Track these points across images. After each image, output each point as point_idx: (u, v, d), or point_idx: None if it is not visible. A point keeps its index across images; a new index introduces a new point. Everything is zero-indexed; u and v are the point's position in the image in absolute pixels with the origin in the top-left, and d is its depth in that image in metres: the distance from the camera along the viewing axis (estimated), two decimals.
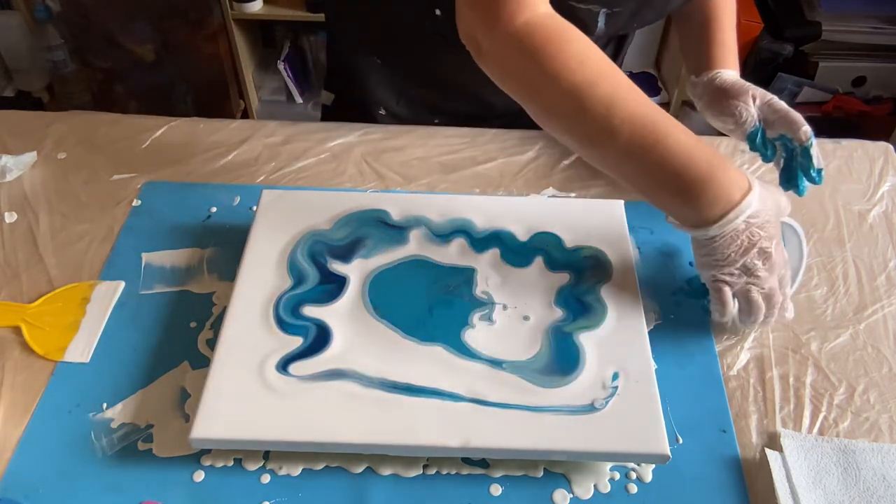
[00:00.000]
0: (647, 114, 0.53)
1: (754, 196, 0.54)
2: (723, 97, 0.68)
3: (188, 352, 0.60)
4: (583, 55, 0.54)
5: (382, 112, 0.84)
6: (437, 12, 0.70)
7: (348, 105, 0.87)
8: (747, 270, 0.56)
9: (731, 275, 0.57)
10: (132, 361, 0.59)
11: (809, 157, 0.63)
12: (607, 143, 0.53)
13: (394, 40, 0.78)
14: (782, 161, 0.67)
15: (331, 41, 0.89)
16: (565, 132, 0.56)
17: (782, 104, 0.66)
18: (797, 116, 0.64)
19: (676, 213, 0.57)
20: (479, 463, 0.53)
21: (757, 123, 0.66)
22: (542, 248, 0.63)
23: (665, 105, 1.80)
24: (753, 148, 0.67)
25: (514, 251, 0.63)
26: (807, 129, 0.63)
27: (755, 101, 0.67)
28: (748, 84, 0.68)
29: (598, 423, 0.51)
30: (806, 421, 0.57)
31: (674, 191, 0.54)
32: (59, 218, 0.71)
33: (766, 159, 0.67)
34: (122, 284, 0.65)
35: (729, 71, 0.71)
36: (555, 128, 0.57)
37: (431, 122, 0.83)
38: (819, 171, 0.64)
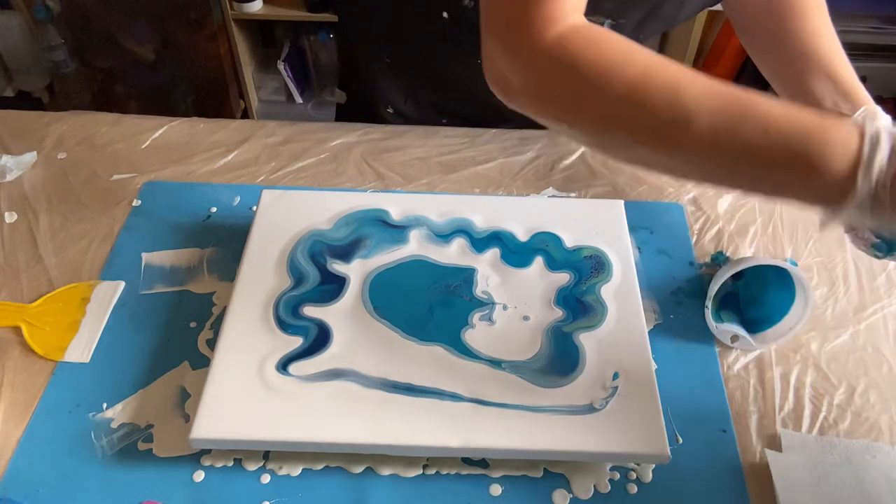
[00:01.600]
0: (720, 87, 0.43)
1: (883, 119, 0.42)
2: None
3: (188, 352, 0.60)
4: (626, 51, 0.45)
5: (390, 110, 0.84)
6: (445, 15, 0.69)
7: (359, 103, 0.87)
8: None
9: None
10: (132, 361, 0.59)
11: None
12: (685, 131, 0.43)
13: (402, 41, 0.78)
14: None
15: (341, 40, 0.89)
16: (630, 139, 0.46)
17: None
18: None
19: (804, 188, 0.42)
20: (479, 463, 0.53)
21: None
22: (542, 248, 0.63)
23: None
24: None
25: (515, 251, 0.63)
26: None
27: None
28: None
29: (598, 424, 0.51)
30: (806, 421, 0.57)
31: (790, 157, 0.41)
32: (59, 218, 0.71)
33: None
34: (122, 284, 0.65)
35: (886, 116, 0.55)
36: (615, 140, 0.47)
37: (439, 122, 0.84)
38: None
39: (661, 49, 1.81)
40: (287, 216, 0.65)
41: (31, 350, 0.60)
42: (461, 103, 0.83)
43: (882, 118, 0.54)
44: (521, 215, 0.66)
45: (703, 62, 1.70)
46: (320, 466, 0.53)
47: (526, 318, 0.58)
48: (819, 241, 0.71)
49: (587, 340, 0.56)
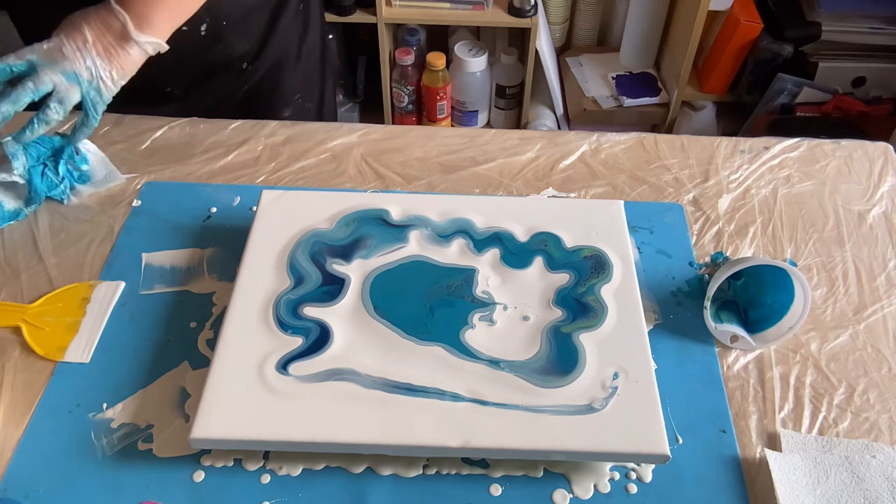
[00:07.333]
0: None
1: None
2: None
3: (188, 352, 0.60)
4: None
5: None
6: None
7: None
8: None
9: None
10: (132, 361, 0.59)
11: None
12: None
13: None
14: None
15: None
16: None
17: None
18: None
19: None
20: (479, 463, 0.53)
21: None
22: (542, 249, 0.63)
23: (665, 105, 1.80)
24: None
25: (515, 251, 0.63)
26: None
27: None
28: None
29: (598, 423, 0.51)
30: (806, 421, 0.57)
31: None
32: (59, 218, 0.71)
33: None
34: (122, 284, 0.65)
35: None
36: None
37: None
38: None
39: (661, 49, 1.82)
40: (287, 216, 0.65)
41: (31, 350, 0.60)
42: None
43: None
44: (520, 215, 0.66)
45: (703, 62, 1.70)
46: (320, 466, 0.53)
47: (526, 318, 0.58)
48: (819, 241, 0.71)
49: (587, 340, 0.57)
